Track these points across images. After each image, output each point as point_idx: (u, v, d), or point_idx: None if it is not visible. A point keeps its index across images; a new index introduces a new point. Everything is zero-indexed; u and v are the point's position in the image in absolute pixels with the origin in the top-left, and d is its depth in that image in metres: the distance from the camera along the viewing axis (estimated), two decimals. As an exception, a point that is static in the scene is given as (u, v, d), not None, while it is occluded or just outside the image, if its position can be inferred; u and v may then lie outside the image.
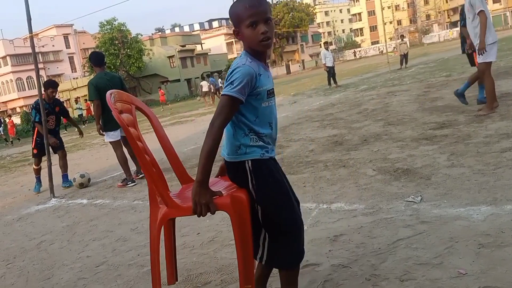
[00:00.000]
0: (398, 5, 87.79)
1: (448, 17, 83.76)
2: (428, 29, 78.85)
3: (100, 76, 6.18)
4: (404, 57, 21.46)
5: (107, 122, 6.20)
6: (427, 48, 47.22)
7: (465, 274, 2.23)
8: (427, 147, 4.92)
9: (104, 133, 6.36)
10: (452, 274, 2.26)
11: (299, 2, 70.26)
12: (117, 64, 46.09)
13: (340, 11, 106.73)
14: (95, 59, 6.35)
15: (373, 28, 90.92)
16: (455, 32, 68.28)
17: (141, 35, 49.45)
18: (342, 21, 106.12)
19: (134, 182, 6.22)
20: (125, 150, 6.40)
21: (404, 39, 23.56)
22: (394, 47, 42.32)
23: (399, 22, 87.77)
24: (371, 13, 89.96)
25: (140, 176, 6.36)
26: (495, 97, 6.19)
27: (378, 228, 3.01)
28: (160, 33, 69.72)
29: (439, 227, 2.85)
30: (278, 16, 67.53)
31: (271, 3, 70.53)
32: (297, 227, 2.06)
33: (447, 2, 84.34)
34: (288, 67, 70.04)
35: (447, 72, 13.78)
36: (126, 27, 46.76)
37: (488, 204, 3.03)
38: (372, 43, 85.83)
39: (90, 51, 55.11)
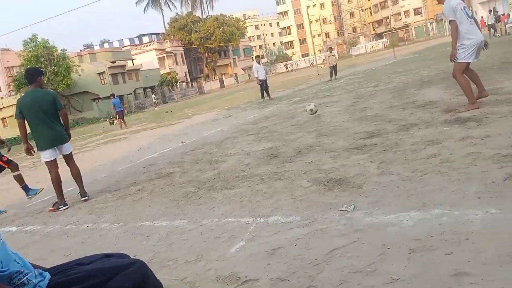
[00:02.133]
0: (325, 18, 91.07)
1: (373, 29, 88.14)
2: (355, 41, 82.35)
3: (29, 94, 5.90)
4: (333, 69, 22.20)
5: (37, 141, 5.91)
6: (355, 60, 49.37)
7: (398, 280, 2.29)
8: (358, 156, 5.07)
9: (34, 153, 6.08)
10: (386, 280, 2.31)
11: (229, 16, 71.09)
12: (44, 82, 43.86)
13: (270, 24, 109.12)
14: (27, 76, 6.10)
15: (302, 41, 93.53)
16: (381, 43, 72.06)
17: (66, 51, 47.36)
18: (272, 34, 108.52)
19: (67, 205, 5.91)
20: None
21: (332, 51, 24.42)
22: (323, 59, 43.76)
23: (327, 35, 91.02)
24: (300, 26, 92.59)
25: (84, 198, 6.05)
26: (472, 94, 6.36)
27: (314, 239, 3.04)
28: (88, 49, 67.46)
29: (372, 234, 2.92)
30: (209, 31, 67.85)
31: (201, 17, 70.79)
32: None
33: (371, 15, 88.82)
34: (221, 81, 70.44)
35: (375, 82, 14.42)
36: (49, 43, 44.71)
37: (417, 210, 3.16)
38: (303, 56, 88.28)
39: (15, 70, 51.77)
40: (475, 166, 3.80)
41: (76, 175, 6.16)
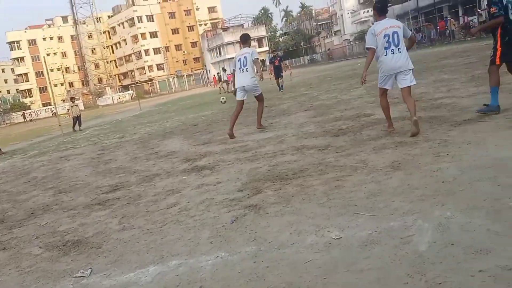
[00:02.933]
0: (68, 67, 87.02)
1: (120, 81, 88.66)
2: (102, 92, 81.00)
3: None
4: (77, 120, 21.17)
5: None
6: (102, 110, 48.39)
7: None
8: (100, 212, 4.81)
9: None
10: None
11: None
12: None
13: (3, 70, 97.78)
14: None
15: (43, 89, 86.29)
16: (127, 95, 72.83)
17: None
18: (6, 81, 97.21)
19: None
20: None
21: (75, 101, 23.37)
22: (68, 109, 41.49)
23: (71, 84, 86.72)
24: (39, 74, 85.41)
25: None
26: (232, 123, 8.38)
27: (42, 318, 2.65)
28: None
29: (110, 299, 2.73)
30: None
31: None
32: None
33: (117, 67, 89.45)
34: None
35: (121, 133, 14.29)
36: None
37: (155, 264, 3.12)
38: (44, 105, 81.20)
39: None
40: (209, 212, 4.06)
41: None
